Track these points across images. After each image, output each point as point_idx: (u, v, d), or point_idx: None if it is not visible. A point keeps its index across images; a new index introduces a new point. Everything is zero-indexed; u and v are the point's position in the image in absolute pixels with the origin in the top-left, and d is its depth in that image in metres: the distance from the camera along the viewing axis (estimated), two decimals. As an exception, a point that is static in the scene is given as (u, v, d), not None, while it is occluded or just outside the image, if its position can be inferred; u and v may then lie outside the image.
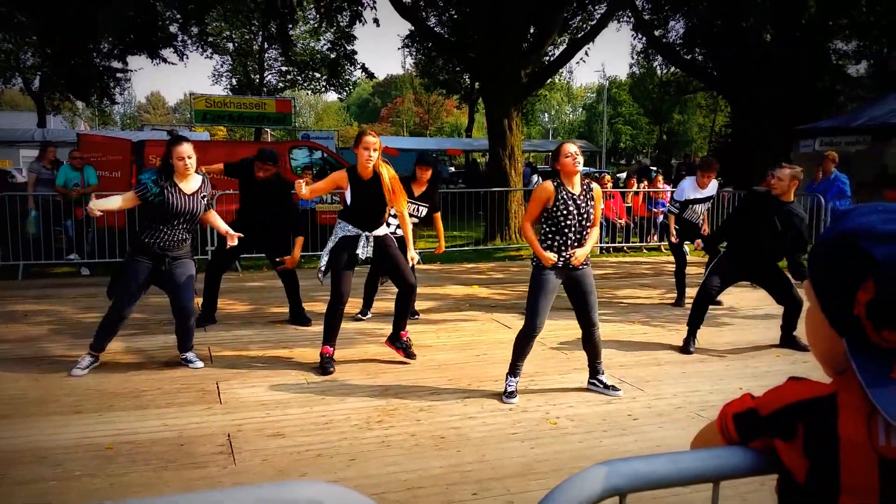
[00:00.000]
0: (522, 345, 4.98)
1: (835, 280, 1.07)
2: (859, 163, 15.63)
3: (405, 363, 5.82)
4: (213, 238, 10.93)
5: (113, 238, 10.64)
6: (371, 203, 5.51)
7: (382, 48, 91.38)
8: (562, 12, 15.35)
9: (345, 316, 6.93)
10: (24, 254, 10.16)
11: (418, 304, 7.65)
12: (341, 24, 22.99)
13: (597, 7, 20.00)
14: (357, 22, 18.07)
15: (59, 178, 10.42)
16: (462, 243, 14.16)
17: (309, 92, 35.97)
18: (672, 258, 8.59)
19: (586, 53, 21.29)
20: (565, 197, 4.86)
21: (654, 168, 28.73)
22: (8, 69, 28.53)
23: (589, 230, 4.96)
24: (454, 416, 4.61)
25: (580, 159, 4.89)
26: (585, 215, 4.91)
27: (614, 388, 5.11)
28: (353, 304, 7.96)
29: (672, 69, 31.53)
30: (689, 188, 8.11)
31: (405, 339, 5.86)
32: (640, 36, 25.28)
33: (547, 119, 68.12)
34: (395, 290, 5.83)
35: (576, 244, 4.91)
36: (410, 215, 5.95)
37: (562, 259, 4.88)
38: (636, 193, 14.14)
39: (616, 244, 13.56)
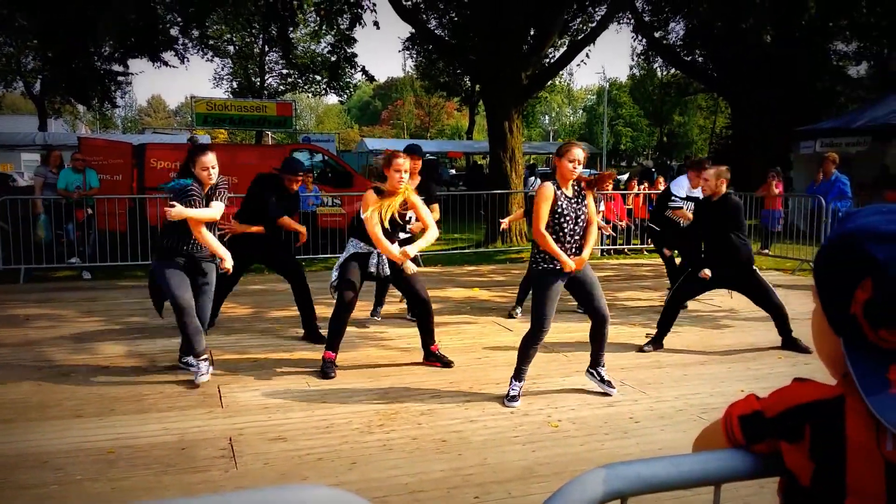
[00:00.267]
0: (528, 348, 4.98)
1: (834, 279, 1.08)
2: (860, 164, 15.64)
3: (406, 366, 5.83)
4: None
5: (114, 242, 10.65)
6: (394, 224, 5.53)
7: (383, 51, 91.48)
8: (562, 14, 15.36)
9: (350, 322, 6.96)
10: (26, 257, 10.17)
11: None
12: (341, 26, 23.00)
13: (597, 9, 20.02)
14: (357, 24, 18.09)
15: (59, 181, 10.43)
16: (463, 246, 14.16)
17: (309, 95, 35.98)
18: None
19: (587, 55, 21.35)
20: (563, 199, 4.92)
21: (654, 170, 28.73)
22: (9, 73, 28.57)
23: (585, 230, 5.00)
24: (455, 420, 4.61)
25: (580, 169, 4.94)
26: (581, 216, 4.97)
27: (610, 385, 5.13)
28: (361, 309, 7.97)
29: (672, 71, 31.62)
30: (686, 185, 8.08)
31: (436, 351, 5.88)
32: (640, 38, 25.31)
33: (547, 121, 68.19)
34: (398, 291, 5.84)
35: (574, 245, 4.94)
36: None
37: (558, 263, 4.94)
38: (637, 195, 14.14)
39: (617, 246, 13.56)
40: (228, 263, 5.34)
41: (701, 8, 20.14)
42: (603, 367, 5.19)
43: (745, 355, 6.22)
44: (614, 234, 13.41)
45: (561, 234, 4.91)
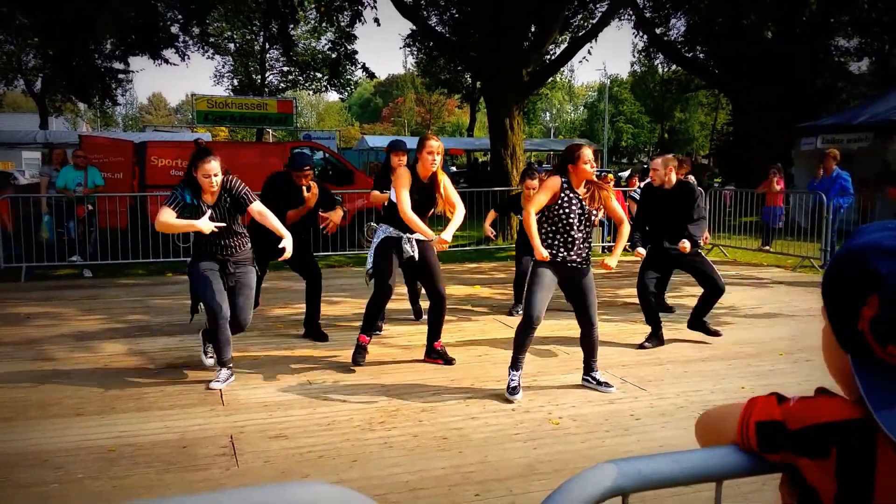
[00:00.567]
0: (522, 337, 5.02)
1: (841, 296, 1.08)
2: (861, 160, 15.62)
3: (407, 364, 5.83)
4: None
5: (115, 240, 10.65)
6: (422, 205, 5.51)
7: (383, 48, 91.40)
8: (563, 11, 15.34)
9: (352, 318, 6.96)
10: (27, 256, 10.17)
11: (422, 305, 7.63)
12: (342, 23, 22.98)
13: (598, 5, 19.98)
14: (358, 21, 18.06)
15: (59, 178, 10.43)
16: (464, 243, 14.15)
17: (310, 92, 36.01)
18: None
19: (589, 52, 21.22)
20: (570, 196, 4.96)
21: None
22: (10, 71, 28.58)
23: (617, 231, 5.10)
24: (456, 417, 4.60)
25: (595, 167, 5.02)
26: (588, 215, 5.01)
27: (607, 385, 5.16)
28: (355, 305, 7.96)
29: (673, 67, 31.57)
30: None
31: (439, 348, 5.88)
32: (641, 34, 25.27)
33: (548, 118, 68.13)
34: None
35: (576, 244, 4.96)
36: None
37: (559, 257, 4.98)
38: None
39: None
40: (288, 245, 5.13)
41: (702, 4, 20.10)
42: (595, 371, 5.22)
43: (746, 352, 6.22)
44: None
45: (561, 227, 4.96)
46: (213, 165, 4.95)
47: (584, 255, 5.05)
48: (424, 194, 5.50)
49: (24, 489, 3.57)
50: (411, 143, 7.28)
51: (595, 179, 5.09)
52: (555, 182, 4.97)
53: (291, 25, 24.93)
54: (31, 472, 3.74)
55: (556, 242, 4.99)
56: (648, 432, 4.37)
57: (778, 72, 20.91)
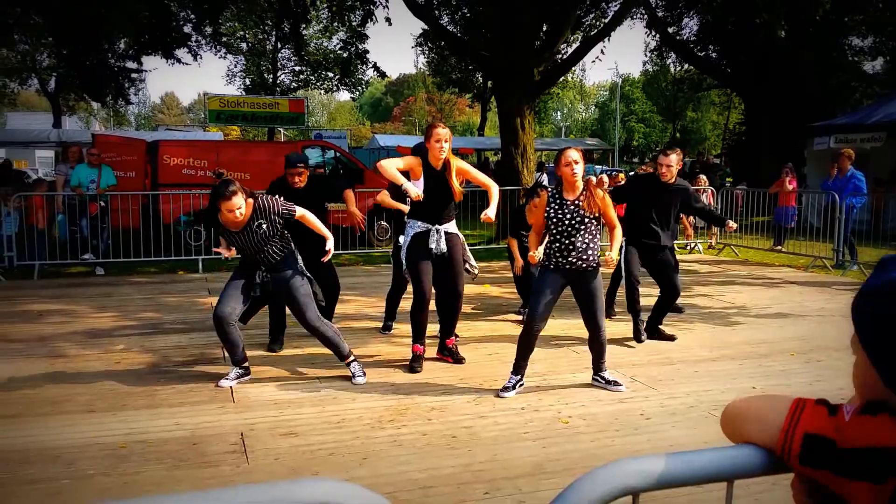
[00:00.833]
0: (523, 340, 5.04)
1: (888, 330, 1.00)
2: (875, 160, 15.52)
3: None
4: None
5: (127, 238, 10.70)
6: (440, 193, 5.49)
7: (395, 47, 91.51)
8: (574, 10, 15.30)
9: (362, 317, 6.97)
10: (40, 254, 10.24)
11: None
12: (353, 23, 23.03)
13: (610, 4, 19.93)
14: (369, 21, 18.09)
15: (73, 176, 10.49)
16: (474, 242, 14.14)
17: (322, 91, 36.09)
18: (683, 255, 8.54)
19: (602, 52, 21.09)
20: (560, 205, 5.00)
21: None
22: (24, 70, 28.80)
23: (590, 233, 5.01)
24: (466, 416, 4.60)
25: (579, 168, 4.95)
26: (579, 219, 4.96)
27: (616, 384, 5.15)
28: (368, 306, 7.97)
29: (686, 66, 31.41)
30: None
31: (451, 346, 5.88)
32: (653, 33, 25.16)
33: (559, 117, 67.99)
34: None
35: (576, 248, 4.96)
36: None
37: (559, 264, 5.00)
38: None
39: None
40: (330, 245, 5.22)
41: (715, 3, 20.02)
42: (605, 371, 5.22)
43: (757, 352, 6.18)
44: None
45: (558, 234, 4.99)
46: (237, 201, 4.81)
47: (585, 257, 4.99)
48: (439, 182, 5.47)
49: (35, 485, 3.59)
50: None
51: (588, 183, 5.09)
52: (541, 200, 5.11)
53: (303, 25, 25.01)
54: (43, 468, 3.77)
55: (554, 249, 5.01)
56: (658, 432, 4.35)
57: (791, 71, 20.79)
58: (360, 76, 31.04)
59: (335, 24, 25.46)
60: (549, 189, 5.16)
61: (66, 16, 18.16)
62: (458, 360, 5.83)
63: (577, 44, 19.08)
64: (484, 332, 6.91)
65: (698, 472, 1.19)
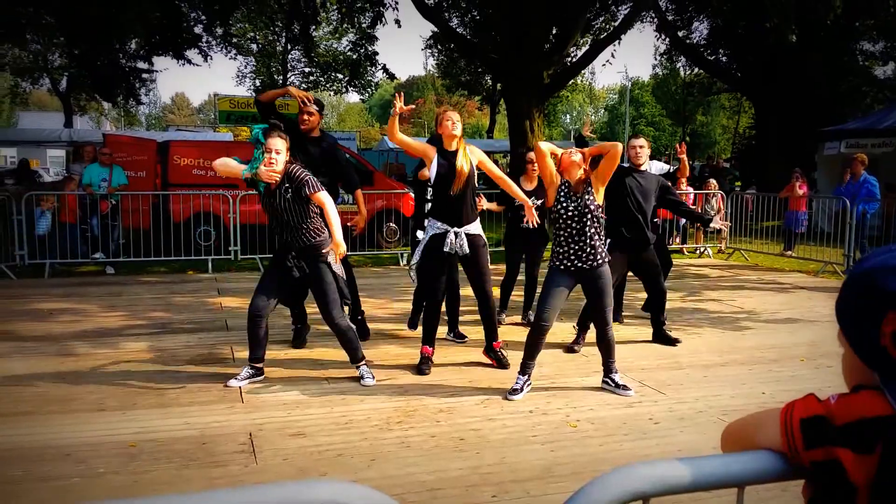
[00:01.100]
0: (531, 341, 5.05)
1: (858, 318, 1.14)
2: (886, 165, 15.43)
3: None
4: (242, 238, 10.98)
5: (138, 238, 10.75)
6: (447, 177, 5.43)
7: (404, 49, 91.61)
8: (584, 13, 15.29)
9: (370, 319, 6.97)
10: (51, 252, 10.30)
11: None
12: (363, 24, 23.06)
13: (620, 8, 19.90)
14: (379, 23, 18.13)
15: (84, 175, 10.55)
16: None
17: (331, 93, 36.13)
18: (693, 259, 8.50)
19: (612, 55, 21.00)
20: (564, 195, 5.03)
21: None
22: (36, 70, 28.96)
23: (596, 228, 5.00)
24: (474, 418, 4.60)
25: (576, 157, 5.02)
26: (583, 209, 4.95)
27: (625, 388, 5.13)
28: (376, 307, 7.98)
29: (695, 70, 31.34)
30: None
31: (498, 349, 5.80)
32: (663, 37, 25.11)
33: (568, 120, 67.90)
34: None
35: (578, 245, 4.95)
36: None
37: (570, 263, 4.99)
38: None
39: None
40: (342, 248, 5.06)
41: (725, 7, 19.96)
42: (615, 373, 5.20)
43: (767, 357, 6.16)
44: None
45: (563, 229, 5.00)
46: (274, 142, 4.83)
47: (586, 252, 4.97)
48: (450, 161, 5.43)
49: (46, 483, 3.61)
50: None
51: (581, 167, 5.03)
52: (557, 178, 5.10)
53: (313, 26, 25.04)
54: (53, 466, 3.79)
55: (562, 251, 5.00)
56: (667, 437, 4.34)
57: (802, 75, 20.71)
58: (369, 78, 31.08)
59: (345, 25, 25.46)
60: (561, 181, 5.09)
61: (78, 16, 18.26)
62: (503, 364, 5.70)
63: (587, 47, 19.09)
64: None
65: (709, 478, 1.19)
